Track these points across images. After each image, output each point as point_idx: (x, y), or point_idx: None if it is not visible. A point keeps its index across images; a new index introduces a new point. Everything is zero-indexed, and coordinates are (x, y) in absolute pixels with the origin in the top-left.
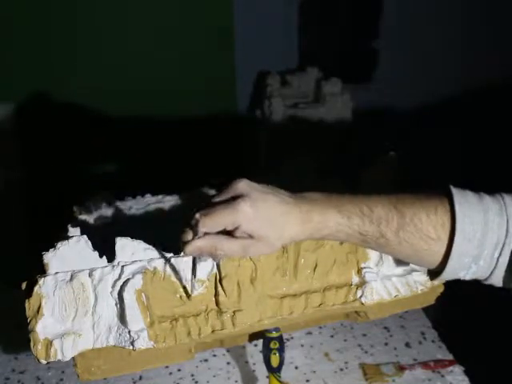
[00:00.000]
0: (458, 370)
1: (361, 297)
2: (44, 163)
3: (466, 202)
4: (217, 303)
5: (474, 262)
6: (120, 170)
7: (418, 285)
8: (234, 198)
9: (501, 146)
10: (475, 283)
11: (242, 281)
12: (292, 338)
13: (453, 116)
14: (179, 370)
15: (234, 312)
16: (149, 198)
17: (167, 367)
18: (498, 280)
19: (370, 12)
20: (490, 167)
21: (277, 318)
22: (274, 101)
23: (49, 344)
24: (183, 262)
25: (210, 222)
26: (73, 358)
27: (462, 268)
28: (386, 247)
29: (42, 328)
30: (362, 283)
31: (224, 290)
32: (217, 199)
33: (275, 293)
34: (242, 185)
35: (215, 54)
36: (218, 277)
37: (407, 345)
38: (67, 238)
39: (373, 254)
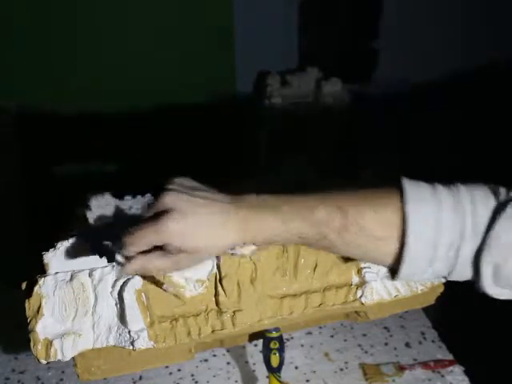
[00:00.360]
0: (458, 370)
1: (361, 297)
2: (44, 163)
3: (418, 199)
4: (217, 303)
5: (429, 263)
6: (120, 169)
7: (417, 285)
8: (161, 214)
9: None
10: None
11: (241, 281)
12: (292, 337)
13: (453, 116)
14: (179, 370)
15: (234, 312)
16: (149, 197)
17: (167, 367)
18: (460, 277)
19: (370, 12)
20: (490, 169)
21: (277, 318)
22: (274, 101)
23: (49, 344)
24: None
25: (135, 244)
26: (73, 358)
27: (418, 270)
28: (331, 248)
29: (42, 328)
30: (362, 283)
31: (224, 290)
32: (145, 216)
33: (275, 293)
34: (169, 198)
35: (215, 53)
36: (217, 277)
37: (407, 345)
38: (67, 237)
39: None
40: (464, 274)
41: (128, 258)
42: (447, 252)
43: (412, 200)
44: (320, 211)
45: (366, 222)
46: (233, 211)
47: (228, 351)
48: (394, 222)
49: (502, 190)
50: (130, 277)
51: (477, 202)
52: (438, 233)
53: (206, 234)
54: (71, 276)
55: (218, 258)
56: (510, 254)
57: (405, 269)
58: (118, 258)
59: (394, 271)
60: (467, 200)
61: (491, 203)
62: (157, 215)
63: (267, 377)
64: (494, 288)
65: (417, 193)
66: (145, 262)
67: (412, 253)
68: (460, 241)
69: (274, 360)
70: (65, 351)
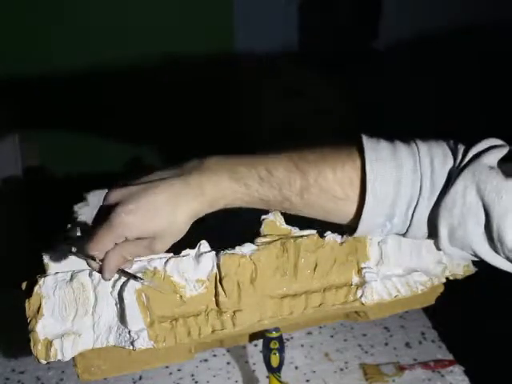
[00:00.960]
0: (457, 370)
1: (361, 297)
2: (44, 163)
3: (377, 158)
4: (217, 303)
5: (387, 220)
6: (120, 169)
7: (418, 285)
8: (109, 213)
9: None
10: (475, 283)
11: (242, 281)
12: (292, 337)
13: (453, 116)
14: (179, 370)
15: (234, 312)
16: None
17: (167, 367)
18: (417, 236)
19: (370, 12)
20: None
21: (277, 318)
22: (274, 101)
23: (49, 344)
24: (183, 262)
25: (97, 248)
26: (73, 358)
27: (375, 226)
28: (291, 210)
29: (42, 328)
30: (362, 283)
31: (224, 290)
32: (95, 221)
33: (275, 293)
34: (113, 193)
35: (215, 53)
36: (217, 277)
37: (407, 345)
38: (67, 238)
39: (373, 254)
40: (421, 232)
41: (101, 260)
42: (405, 211)
43: (371, 160)
44: (279, 172)
45: (327, 182)
46: (186, 182)
47: (228, 351)
48: (354, 182)
49: (461, 149)
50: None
51: (435, 162)
52: (396, 192)
53: (160, 213)
54: (71, 276)
55: (218, 257)
56: (464, 216)
57: (362, 226)
58: (92, 264)
59: (351, 228)
60: (427, 160)
61: (449, 163)
62: (106, 214)
63: (267, 377)
64: (450, 248)
65: (376, 151)
66: (117, 253)
67: (370, 210)
68: (418, 200)
69: (274, 360)
70: (65, 351)
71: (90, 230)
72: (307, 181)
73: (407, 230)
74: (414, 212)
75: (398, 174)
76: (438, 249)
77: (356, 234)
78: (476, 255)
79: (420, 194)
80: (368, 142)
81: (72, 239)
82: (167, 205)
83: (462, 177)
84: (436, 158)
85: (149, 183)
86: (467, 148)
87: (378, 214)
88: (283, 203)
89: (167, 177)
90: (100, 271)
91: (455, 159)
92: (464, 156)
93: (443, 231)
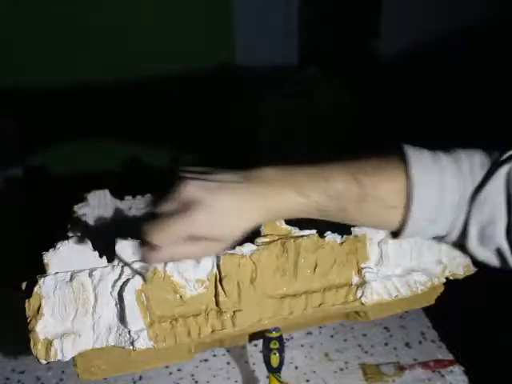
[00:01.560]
0: (457, 370)
1: (361, 297)
2: (44, 163)
3: (421, 165)
4: (217, 303)
5: (431, 224)
6: (120, 169)
7: (417, 285)
8: (185, 205)
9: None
10: (475, 284)
11: (242, 281)
12: (292, 337)
13: (453, 115)
14: (179, 370)
15: (234, 312)
16: (149, 197)
17: (167, 367)
18: (453, 238)
19: (370, 12)
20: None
21: (277, 318)
22: (274, 101)
23: (49, 344)
24: (183, 262)
25: (162, 237)
26: (73, 358)
27: (419, 230)
28: (346, 219)
29: (42, 328)
30: (362, 283)
31: (224, 290)
32: (165, 208)
33: (275, 293)
34: (191, 189)
35: (215, 54)
36: (217, 277)
37: (407, 345)
38: (67, 237)
39: (373, 254)
40: (457, 233)
41: (153, 247)
42: (449, 214)
43: (415, 167)
44: (338, 182)
45: (382, 192)
46: (251, 191)
47: (228, 351)
48: (402, 190)
49: (496, 154)
50: (130, 277)
51: (475, 168)
52: (441, 197)
53: (230, 219)
54: (71, 276)
55: (218, 257)
56: (494, 214)
57: (408, 229)
58: (140, 251)
59: (396, 232)
60: (467, 166)
61: (486, 168)
62: (179, 206)
63: (267, 377)
64: (478, 248)
65: (419, 158)
66: (173, 250)
67: (416, 215)
68: (461, 205)
69: (274, 360)
70: (65, 351)
71: (155, 216)
72: (363, 190)
73: (447, 233)
74: (455, 217)
75: (440, 179)
76: (465, 249)
77: (400, 238)
78: (502, 255)
79: (462, 198)
80: (411, 151)
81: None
82: (236, 211)
83: (494, 177)
84: (475, 164)
85: (220, 183)
86: (501, 152)
87: (423, 217)
88: (339, 213)
89: (234, 181)
90: (146, 257)
91: (491, 163)
92: (498, 158)
93: (473, 230)
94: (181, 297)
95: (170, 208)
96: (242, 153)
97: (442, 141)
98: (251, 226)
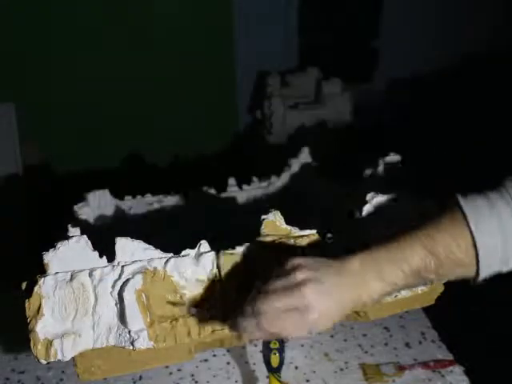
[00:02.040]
0: (458, 369)
1: None
2: (44, 163)
3: (478, 214)
4: (217, 303)
5: (503, 264)
6: (120, 169)
7: None
8: (297, 283)
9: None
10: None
11: (241, 281)
12: (292, 337)
13: (453, 115)
14: (179, 370)
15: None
16: (149, 197)
17: (167, 367)
18: None
19: (370, 12)
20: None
21: None
22: (274, 101)
23: (49, 344)
24: (183, 262)
25: (272, 305)
26: (73, 357)
27: (493, 271)
28: (427, 283)
29: (42, 328)
30: None
31: (224, 290)
32: (278, 283)
33: None
34: (304, 268)
35: (215, 54)
36: (218, 277)
37: (407, 345)
38: (67, 237)
39: None
40: None
41: (257, 318)
42: None
43: (473, 218)
44: (416, 261)
45: (455, 255)
46: (342, 280)
47: (228, 351)
48: (470, 246)
49: None
50: (130, 277)
51: None
52: (504, 240)
53: (330, 303)
54: (71, 276)
55: (218, 257)
56: None
57: (483, 275)
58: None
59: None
60: None
61: None
62: (294, 283)
63: (267, 377)
64: None
65: (474, 208)
66: (282, 324)
67: (486, 262)
68: None
69: (274, 360)
70: (65, 351)
71: (263, 286)
72: (440, 260)
73: None
74: None
75: (500, 224)
76: None
77: (477, 282)
78: None
79: None
80: (465, 202)
81: None
82: (333, 298)
83: None
84: None
85: (326, 271)
86: None
87: (493, 262)
88: (420, 282)
89: (331, 274)
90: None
91: None
92: None
93: None
94: (181, 297)
95: (282, 283)
96: (242, 153)
97: (442, 140)
98: (339, 315)
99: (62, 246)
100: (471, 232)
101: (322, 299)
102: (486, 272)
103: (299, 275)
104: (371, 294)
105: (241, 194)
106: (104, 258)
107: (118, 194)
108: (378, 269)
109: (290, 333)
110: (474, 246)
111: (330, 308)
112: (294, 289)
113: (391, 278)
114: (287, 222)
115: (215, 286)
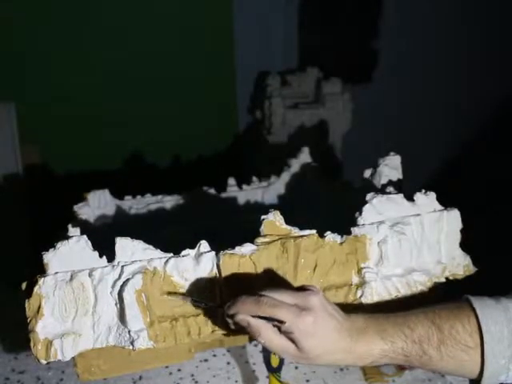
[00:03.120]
0: None
1: (361, 297)
2: (44, 163)
3: (485, 305)
4: (217, 303)
5: (510, 362)
6: (120, 170)
7: (417, 285)
8: (302, 307)
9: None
10: (473, 285)
11: (242, 281)
12: None
13: (452, 115)
14: (179, 370)
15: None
16: (149, 197)
17: (167, 367)
18: None
19: (370, 12)
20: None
21: None
22: (274, 101)
23: (49, 344)
24: (183, 262)
25: (270, 309)
26: (73, 357)
27: (500, 371)
28: (429, 364)
29: (42, 328)
30: (362, 283)
31: (224, 290)
32: (287, 298)
33: None
34: (315, 300)
35: (215, 53)
36: (217, 277)
37: None
38: (67, 237)
39: (373, 254)
40: None
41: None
42: None
43: (479, 306)
44: (419, 328)
45: (459, 334)
46: (346, 333)
47: (228, 351)
48: (476, 331)
49: None
50: (130, 277)
51: None
52: (511, 331)
53: (323, 344)
54: (71, 276)
55: (218, 257)
56: None
57: (489, 369)
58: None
59: (475, 381)
60: None
61: None
62: (300, 306)
63: (267, 377)
64: None
65: (482, 300)
66: (264, 328)
67: (492, 351)
68: None
69: (274, 360)
70: (65, 351)
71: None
72: (443, 334)
73: None
74: None
75: (506, 315)
76: None
77: (483, 383)
78: None
79: None
80: (473, 297)
81: None
82: (331, 343)
83: None
84: None
85: (334, 314)
86: None
87: (499, 354)
88: (422, 357)
89: (339, 321)
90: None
91: None
92: None
93: None
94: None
95: (290, 301)
96: (242, 153)
97: (442, 138)
98: (332, 363)
99: (62, 246)
100: (477, 316)
101: (314, 337)
102: (491, 365)
103: (313, 298)
104: (370, 351)
105: (241, 193)
106: (104, 257)
107: (118, 194)
108: (382, 328)
109: (267, 344)
110: (480, 330)
111: (315, 350)
112: (298, 307)
113: (392, 338)
114: (287, 222)
115: (215, 286)
